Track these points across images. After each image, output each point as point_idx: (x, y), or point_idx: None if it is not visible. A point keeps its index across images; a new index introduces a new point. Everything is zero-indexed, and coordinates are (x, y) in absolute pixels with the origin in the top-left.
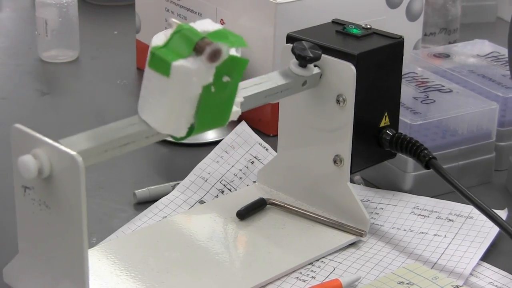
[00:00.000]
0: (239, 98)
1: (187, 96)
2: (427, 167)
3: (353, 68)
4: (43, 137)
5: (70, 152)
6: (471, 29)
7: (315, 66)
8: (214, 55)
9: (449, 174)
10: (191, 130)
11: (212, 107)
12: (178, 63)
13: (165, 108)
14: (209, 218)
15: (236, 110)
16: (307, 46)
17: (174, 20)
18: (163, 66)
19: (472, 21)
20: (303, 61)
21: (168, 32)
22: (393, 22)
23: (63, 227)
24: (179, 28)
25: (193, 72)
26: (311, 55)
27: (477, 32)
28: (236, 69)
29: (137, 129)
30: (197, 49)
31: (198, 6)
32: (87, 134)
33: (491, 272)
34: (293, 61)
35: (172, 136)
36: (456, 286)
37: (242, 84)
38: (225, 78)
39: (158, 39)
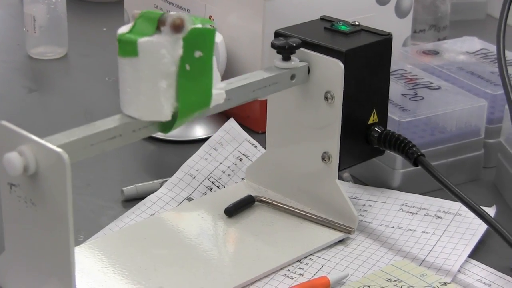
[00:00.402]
0: (221, 83)
1: (161, 72)
2: (415, 164)
3: (341, 64)
4: (29, 134)
5: (56, 149)
6: (461, 26)
7: (301, 61)
8: (177, 25)
9: (437, 171)
10: (175, 116)
11: (192, 87)
12: (144, 39)
13: (143, 91)
14: (197, 215)
15: (219, 93)
16: (285, 39)
17: (136, 11)
18: (130, 48)
19: (461, 18)
20: (284, 51)
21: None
22: (383, 19)
23: (50, 224)
24: (141, 14)
25: (159, 44)
26: (290, 43)
27: (466, 29)
28: (206, 42)
29: (122, 122)
30: (160, 22)
31: (186, 3)
32: (72, 131)
33: (479, 269)
34: (276, 57)
35: (160, 128)
36: (444, 283)
37: (229, 80)
38: (197, 53)
39: (123, 29)
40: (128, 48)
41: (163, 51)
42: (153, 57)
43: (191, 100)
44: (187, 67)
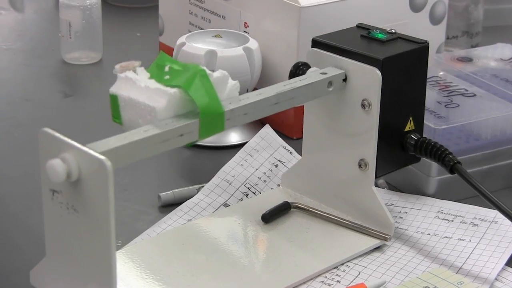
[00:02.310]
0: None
1: None
2: (452, 172)
3: (378, 72)
4: (72, 141)
5: (99, 156)
6: (493, 32)
7: (338, 69)
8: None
9: (474, 179)
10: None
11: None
12: None
13: None
14: (234, 221)
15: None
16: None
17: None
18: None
19: (494, 24)
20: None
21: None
22: (417, 26)
23: (91, 231)
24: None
25: None
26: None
27: (499, 35)
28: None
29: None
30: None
31: (221, 9)
32: (115, 138)
33: None
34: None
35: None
36: None
37: (266, 88)
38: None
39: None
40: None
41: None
42: None
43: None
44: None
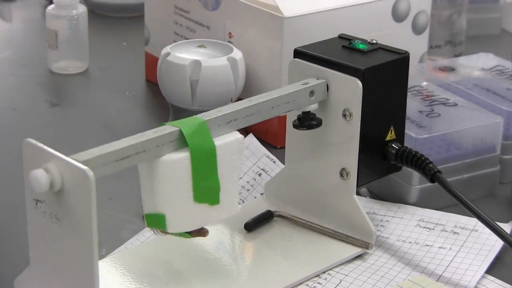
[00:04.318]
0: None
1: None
2: (432, 181)
3: (359, 83)
4: (55, 151)
5: (81, 166)
6: (476, 42)
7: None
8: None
9: (454, 188)
10: None
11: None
12: None
13: None
14: (217, 230)
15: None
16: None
17: None
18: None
19: (476, 33)
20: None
21: None
22: (399, 36)
23: (74, 240)
24: None
25: None
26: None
27: (482, 45)
28: None
29: (145, 139)
30: None
31: (206, 20)
32: (98, 149)
33: (495, 285)
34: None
35: None
36: None
37: (249, 99)
38: None
39: None
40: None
41: None
42: None
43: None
44: None
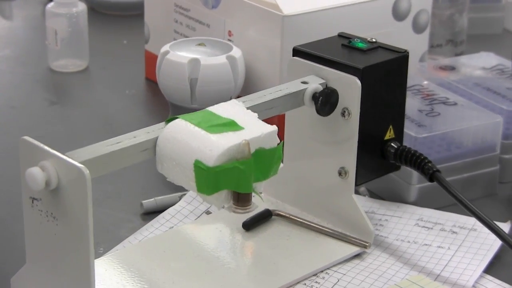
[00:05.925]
0: None
1: None
2: (431, 180)
3: (358, 81)
4: (51, 149)
5: (77, 164)
6: (478, 41)
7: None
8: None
9: (452, 187)
10: None
11: None
12: None
13: None
14: (215, 229)
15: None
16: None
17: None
18: None
19: (478, 32)
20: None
21: None
22: (400, 34)
23: (70, 238)
24: None
25: None
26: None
27: (483, 44)
28: None
29: (144, 139)
30: None
31: (206, 18)
32: (94, 146)
33: (494, 285)
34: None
35: None
36: None
37: (248, 97)
38: None
39: None
40: None
41: None
42: None
43: None
44: None
